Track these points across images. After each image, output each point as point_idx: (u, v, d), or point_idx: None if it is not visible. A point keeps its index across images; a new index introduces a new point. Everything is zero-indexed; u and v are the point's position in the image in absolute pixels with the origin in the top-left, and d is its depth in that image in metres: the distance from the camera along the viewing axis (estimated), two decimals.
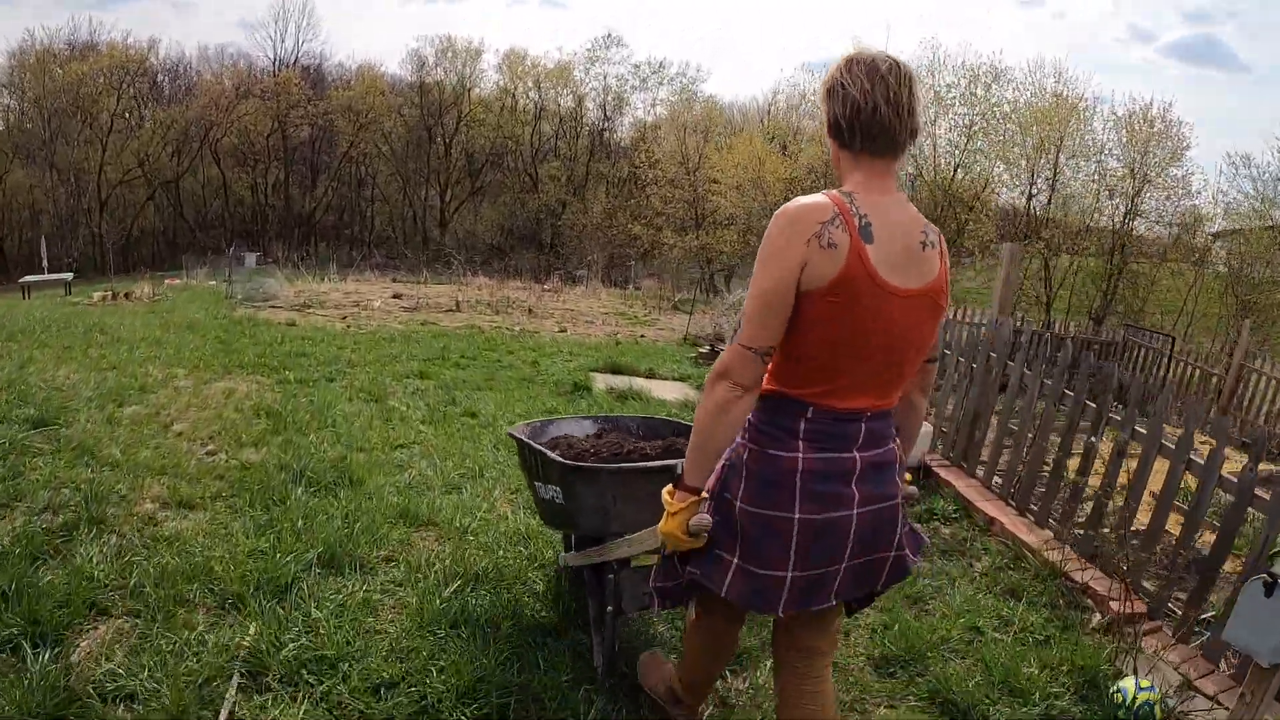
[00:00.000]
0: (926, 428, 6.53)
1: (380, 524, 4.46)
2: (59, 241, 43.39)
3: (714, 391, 2.07)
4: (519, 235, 53.07)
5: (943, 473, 6.22)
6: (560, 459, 3.19)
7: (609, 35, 54.29)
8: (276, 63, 53.55)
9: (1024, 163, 26.75)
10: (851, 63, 2.07)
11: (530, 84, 52.98)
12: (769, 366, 2.12)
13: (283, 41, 56.31)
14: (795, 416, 2.14)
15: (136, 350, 9.12)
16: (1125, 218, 25.08)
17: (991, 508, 5.54)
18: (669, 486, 2.23)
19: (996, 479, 5.90)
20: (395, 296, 21.03)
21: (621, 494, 3.07)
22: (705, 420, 2.10)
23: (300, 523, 4.30)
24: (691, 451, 2.15)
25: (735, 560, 2.22)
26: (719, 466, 2.25)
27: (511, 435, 3.72)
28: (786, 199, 2.17)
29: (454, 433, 6.69)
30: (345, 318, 15.61)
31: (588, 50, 53.38)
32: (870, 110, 2.02)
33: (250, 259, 40.26)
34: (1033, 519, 5.35)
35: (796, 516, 2.14)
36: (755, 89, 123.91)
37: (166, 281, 29.54)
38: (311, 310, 16.65)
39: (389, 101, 52.65)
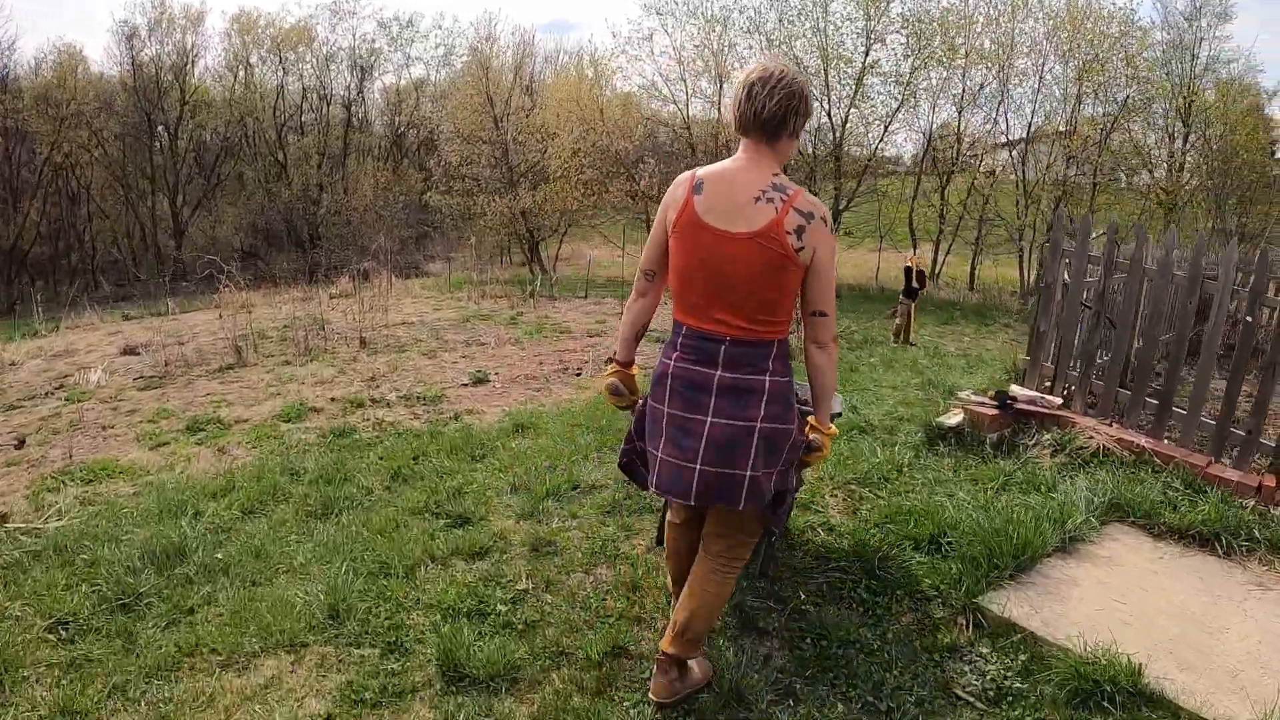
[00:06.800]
0: None
1: None
2: None
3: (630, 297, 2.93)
4: (272, 234, 42.31)
5: None
6: None
7: None
8: None
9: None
10: (745, 75, 2.67)
11: (267, 49, 41.91)
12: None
13: None
14: (676, 333, 2.75)
15: None
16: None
17: None
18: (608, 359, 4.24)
19: None
20: (128, 352, 11.87)
21: None
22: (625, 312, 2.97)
23: None
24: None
25: (639, 443, 2.94)
26: None
27: None
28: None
29: None
30: (22, 444, 6.67)
31: (331, 3, 42.82)
32: (735, 106, 2.66)
33: None
34: None
35: (666, 409, 2.73)
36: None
37: None
38: None
39: (97, 88, 40.00)
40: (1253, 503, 4.65)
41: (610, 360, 3.01)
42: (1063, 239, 5.96)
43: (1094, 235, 6.22)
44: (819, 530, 4.27)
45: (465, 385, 8.13)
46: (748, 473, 2.66)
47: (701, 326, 2.65)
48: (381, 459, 5.47)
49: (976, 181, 22.46)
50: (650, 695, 2.88)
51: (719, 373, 2.63)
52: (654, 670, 2.92)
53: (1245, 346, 5.34)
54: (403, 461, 5.34)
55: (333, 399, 7.70)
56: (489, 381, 8.32)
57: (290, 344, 10.90)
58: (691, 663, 2.99)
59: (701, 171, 2.68)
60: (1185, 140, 22.89)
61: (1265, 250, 5.27)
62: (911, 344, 12.06)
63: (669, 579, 3.23)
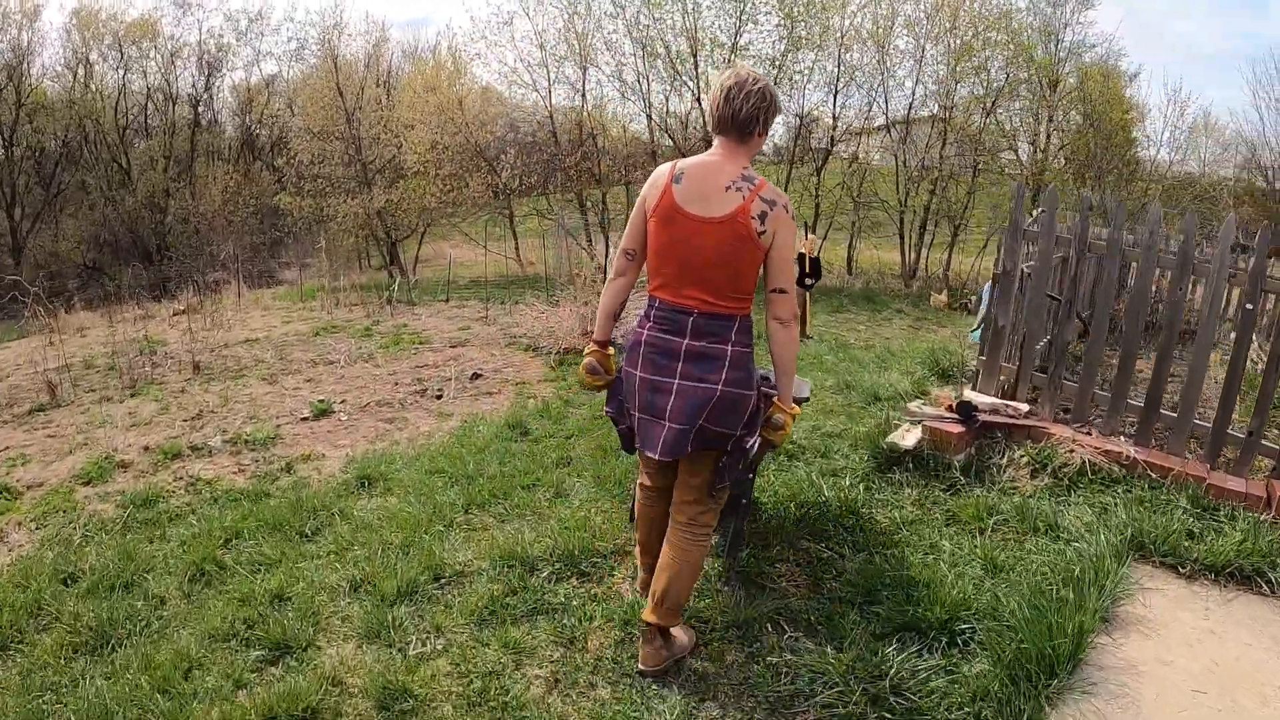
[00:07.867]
0: None
1: None
2: None
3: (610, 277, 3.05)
4: (119, 247, 38.69)
5: None
6: None
7: None
8: None
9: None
10: (721, 80, 2.85)
11: (109, 44, 38.21)
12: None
13: None
14: (651, 306, 2.89)
15: None
16: None
17: None
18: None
19: None
20: None
21: None
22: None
23: None
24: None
25: (621, 399, 3.05)
26: None
27: None
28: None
29: None
30: None
31: None
32: (713, 108, 2.83)
33: None
34: None
35: (639, 374, 2.86)
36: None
37: None
38: None
39: None
40: (1263, 516, 3.99)
41: (590, 339, 3.17)
42: (1024, 218, 4.95)
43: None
44: (782, 623, 3.08)
45: (305, 419, 6.68)
46: (700, 423, 2.79)
47: (675, 301, 2.81)
48: (184, 545, 4.02)
49: (856, 163, 21.78)
50: (639, 666, 2.95)
51: (686, 341, 2.79)
52: (640, 641, 2.99)
53: (1245, 336, 4.47)
54: (210, 549, 3.90)
55: (146, 447, 6.15)
56: (334, 413, 6.88)
57: (117, 375, 9.16)
58: (675, 630, 3.04)
59: (682, 163, 2.85)
60: (1050, 121, 22.81)
61: (1266, 226, 4.39)
62: (808, 336, 11.03)
63: (637, 548, 3.34)
